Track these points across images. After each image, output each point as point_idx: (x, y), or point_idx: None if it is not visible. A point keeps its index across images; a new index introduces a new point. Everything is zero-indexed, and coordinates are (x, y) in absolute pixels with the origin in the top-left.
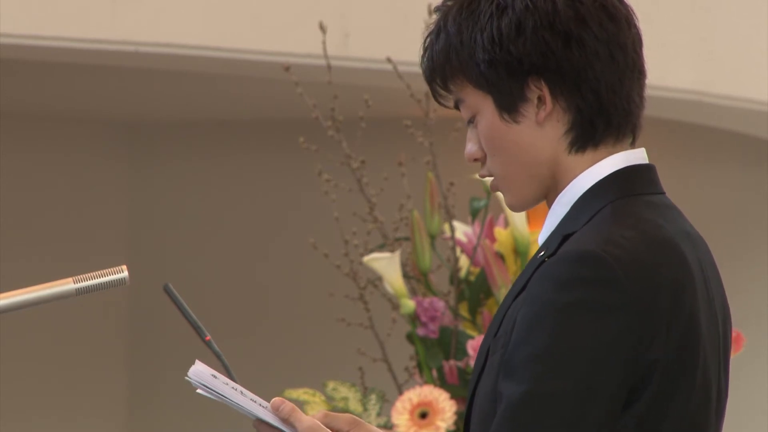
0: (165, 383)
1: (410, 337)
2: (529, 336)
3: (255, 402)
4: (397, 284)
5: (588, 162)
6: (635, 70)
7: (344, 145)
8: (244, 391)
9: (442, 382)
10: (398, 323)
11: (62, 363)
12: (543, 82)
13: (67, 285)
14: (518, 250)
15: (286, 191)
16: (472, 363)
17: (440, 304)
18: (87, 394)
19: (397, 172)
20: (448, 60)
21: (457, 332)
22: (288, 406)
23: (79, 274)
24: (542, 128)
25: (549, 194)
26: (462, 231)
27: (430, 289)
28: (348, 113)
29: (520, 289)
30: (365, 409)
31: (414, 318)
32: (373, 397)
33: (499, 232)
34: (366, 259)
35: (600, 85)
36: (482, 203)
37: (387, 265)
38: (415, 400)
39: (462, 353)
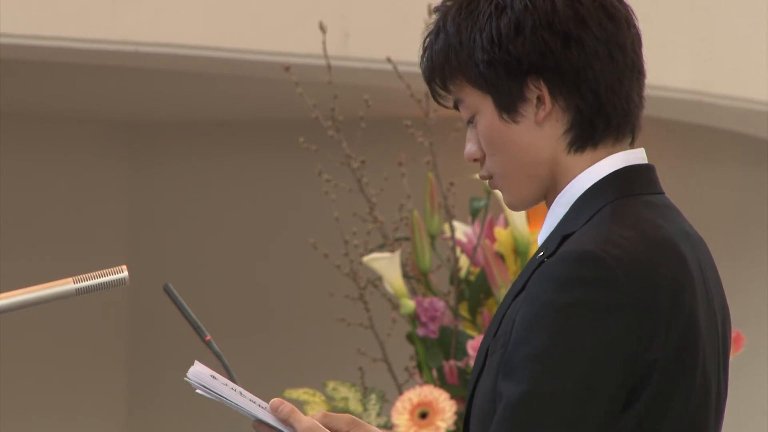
0: (165, 383)
1: (410, 337)
2: (528, 336)
3: (254, 403)
4: (397, 284)
5: (587, 162)
6: (634, 69)
7: (344, 145)
8: (243, 391)
9: (442, 382)
10: (398, 323)
11: (62, 363)
12: (542, 82)
13: (67, 285)
14: (518, 250)
15: (286, 191)
16: (472, 363)
17: (440, 304)
18: (87, 394)
19: (397, 172)
20: (447, 60)
21: (457, 332)
22: (287, 406)
23: (79, 274)
24: (541, 128)
25: (548, 194)
26: (462, 231)
27: (430, 289)
28: (348, 113)
29: (519, 289)
30: (365, 409)
31: (414, 318)
32: (373, 397)
33: (499, 232)
34: (366, 259)
35: (599, 85)
36: (482, 203)
37: (387, 265)
38: (415, 400)
39: (462, 353)
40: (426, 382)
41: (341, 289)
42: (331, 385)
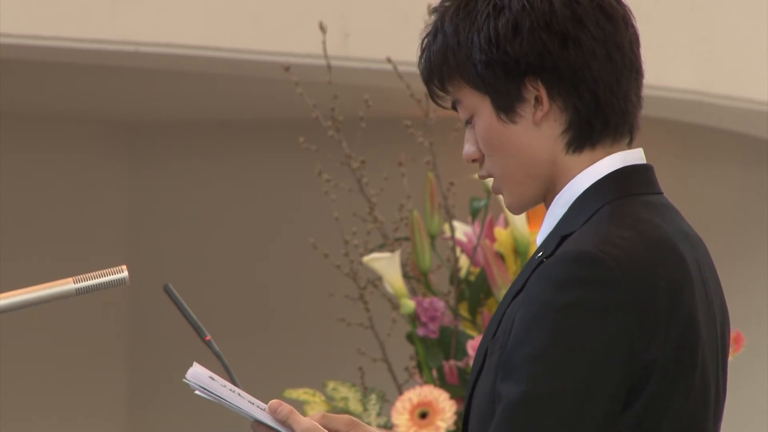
0: (165, 383)
1: (410, 337)
2: (527, 336)
3: (253, 404)
4: (397, 284)
5: (585, 162)
6: (633, 69)
7: (344, 145)
8: (242, 393)
9: (442, 382)
10: (398, 323)
11: (62, 363)
12: (540, 83)
13: (67, 285)
14: (518, 250)
15: (286, 191)
16: (471, 363)
17: (440, 304)
18: (87, 394)
19: (397, 172)
20: (445, 61)
21: (457, 332)
22: (286, 408)
23: (79, 274)
24: (539, 128)
25: (547, 195)
26: (462, 231)
27: (430, 289)
28: (348, 113)
29: (518, 290)
30: (365, 409)
31: (414, 318)
32: (373, 397)
33: (499, 232)
34: (366, 259)
35: (597, 85)
36: (482, 203)
37: (387, 265)
38: (415, 400)
39: (462, 353)
40: (426, 382)
41: (341, 289)
42: (331, 385)
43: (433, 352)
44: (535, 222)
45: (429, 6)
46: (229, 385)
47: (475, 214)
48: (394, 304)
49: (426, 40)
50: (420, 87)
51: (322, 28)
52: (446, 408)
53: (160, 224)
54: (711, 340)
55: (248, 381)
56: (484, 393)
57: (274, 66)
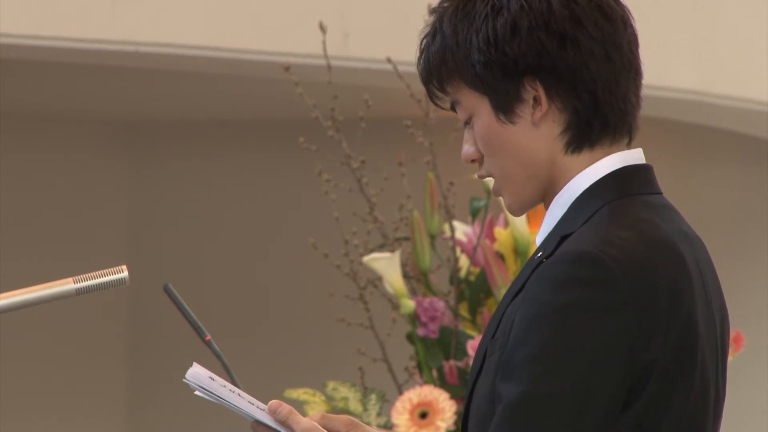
0: (165, 383)
1: (410, 337)
2: (527, 336)
3: (252, 404)
4: (397, 284)
5: (584, 163)
6: (631, 70)
7: (344, 145)
8: (242, 393)
9: (442, 382)
10: (398, 323)
11: (62, 363)
12: (538, 83)
13: (67, 285)
14: (518, 250)
15: (286, 191)
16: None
17: (440, 304)
18: (87, 394)
19: (397, 172)
20: (444, 61)
21: (457, 332)
22: (285, 408)
23: (79, 274)
24: (538, 129)
25: (546, 196)
26: (462, 231)
27: (430, 289)
28: (348, 113)
29: (517, 290)
30: (365, 409)
31: (414, 318)
32: (373, 397)
33: (499, 232)
34: (366, 259)
35: (596, 86)
36: (482, 203)
37: (387, 265)
38: (415, 400)
39: (462, 353)
40: (426, 382)
41: (341, 289)
42: (331, 385)
43: (433, 352)
44: (535, 222)
45: (429, 6)
46: (229, 386)
47: (475, 214)
48: (394, 304)
49: (424, 41)
50: (420, 87)
51: (322, 28)
52: (446, 408)
53: (160, 224)
54: (710, 339)
55: (248, 381)
56: (483, 393)
57: (274, 66)
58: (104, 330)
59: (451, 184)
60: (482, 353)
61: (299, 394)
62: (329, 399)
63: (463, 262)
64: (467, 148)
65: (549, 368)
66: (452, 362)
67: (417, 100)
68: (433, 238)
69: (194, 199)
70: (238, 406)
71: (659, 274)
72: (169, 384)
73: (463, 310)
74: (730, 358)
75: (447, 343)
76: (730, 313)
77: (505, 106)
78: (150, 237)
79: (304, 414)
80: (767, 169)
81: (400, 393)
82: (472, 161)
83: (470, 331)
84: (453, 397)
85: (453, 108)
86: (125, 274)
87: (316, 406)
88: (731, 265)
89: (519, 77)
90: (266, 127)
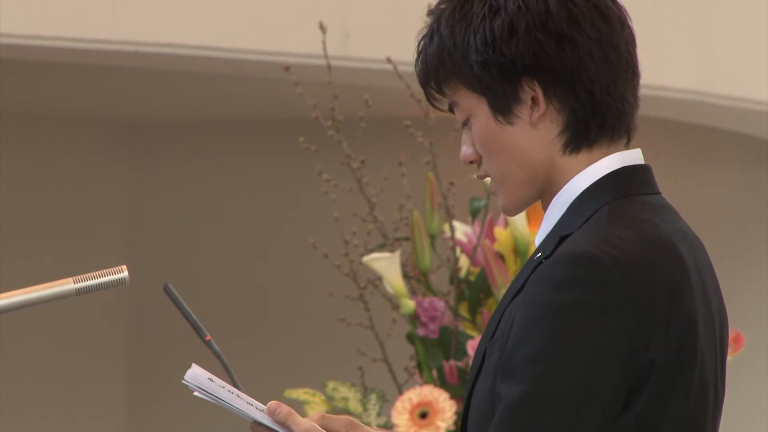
0: (165, 383)
1: (410, 337)
2: (526, 337)
3: (252, 405)
4: (397, 284)
5: (583, 163)
6: (629, 70)
7: (344, 145)
8: (241, 394)
9: (442, 382)
10: (398, 323)
11: (62, 363)
12: (536, 83)
13: (67, 285)
14: (518, 250)
15: (286, 191)
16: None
17: (440, 304)
18: (87, 394)
19: (397, 172)
20: (441, 62)
21: (457, 332)
22: (284, 409)
23: (79, 274)
24: (536, 129)
25: (543, 196)
26: (462, 231)
27: (430, 289)
28: (348, 113)
29: (517, 291)
30: (365, 409)
31: (414, 318)
32: (373, 397)
33: (499, 232)
34: (366, 259)
35: (594, 86)
36: (482, 203)
37: (387, 265)
38: (415, 400)
39: (462, 353)
40: (426, 382)
41: (341, 289)
42: (331, 385)
43: (433, 352)
44: (535, 222)
45: (429, 6)
46: (228, 386)
47: (475, 214)
48: (394, 304)
49: (422, 42)
50: (420, 87)
51: (322, 28)
52: (446, 408)
53: (160, 224)
54: (709, 340)
55: (248, 381)
56: (483, 393)
57: (274, 66)
58: (104, 330)
59: (451, 184)
60: (481, 353)
61: (299, 394)
62: (329, 399)
63: (463, 262)
64: (465, 150)
65: (549, 369)
66: (452, 362)
67: (417, 100)
68: (433, 238)
69: (194, 199)
70: (237, 406)
71: (658, 274)
72: (169, 384)
73: (463, 310)
74: (730, 358)
75: (447, 343)
76: (730, 313)
77: (503, 107)
78: (150, 237)
79: (303, 414)
80: (767, 169)
81: (400, 393)
82: (471, 162)
83: (470, 331)
84: (453, 397)
85: (451, 109)
86: (125, 274)
87: (316, 406)
88: (731, 265)
89: (517, 78)
90: (266, 127)
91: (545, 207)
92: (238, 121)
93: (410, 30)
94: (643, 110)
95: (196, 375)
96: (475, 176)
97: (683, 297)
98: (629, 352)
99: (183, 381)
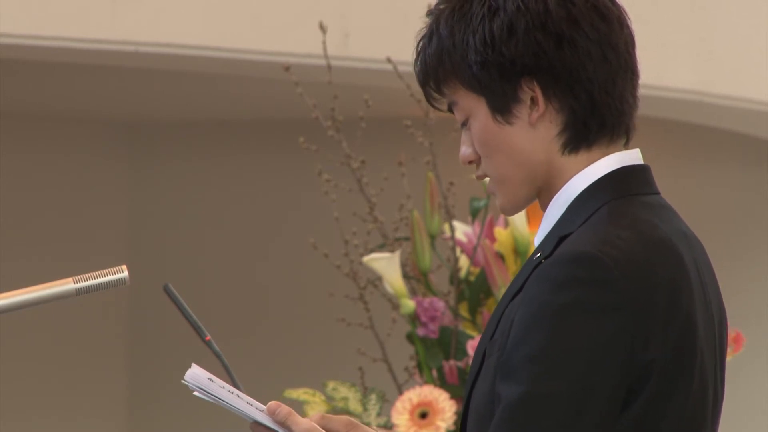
0: (165, 383)
1: (410, 337)
2: (526, 337)
3: (251, 405)
4: (397, 284)
5: (582, 163)
6: (628, 70)
7: (344, 145)
8: (241, 394)
9: (442, 382)
10: (398, 323)
11: (62, 363)
12: (535, 83)
13: (67, 285)
14: (518, 250)
15: (286, 191)
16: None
17: (440, 304)
18: (87, 394)
19: (397, 172)
20: (440, 63)
21: (457, 332)
22: (284, 409)
23: (79, 274)
24: (535, 129)
25: (542, 195)
26: (462, 231)
27: (430, 289)
28: (348, 113)
29: (516, 291)
30: (365, 409)
31: (414, 318)
32: (373, 397)
33: (499, 232)
34: (366, 259)
35: (593, 86)
36: (482, 203)
37: (387, 265)
38: (415, 400)
39: (462, 353)
40: (426, 382)
41: (341, 289)
42: (331, 385)
43: (433, 352)
44: (534, 222)
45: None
46: (228, 387)
47: (475, 214)
48: (394, 304)
49: (421, 42)
50: (420, 87)
51: (322, 28)
52: (446, 408)
53: (160, 224)
54: (709, 340)
55: (248, 381)
56: (482, 394)
57: (274, 66)
58: (104, 330)
59: (451, 184)
60: (481, 354)
61: (299, 394)
62: (329, 399)
63: (463, 262)
64: (464, 150)
65: (548, 369)
66: (452, 362)
67: (417, 100)
68: (433, 238)
69: (194, 199)
70: (236, 406)
71: (658, 274)
72: (169, 384)
73: (463, 310)
74: (729, 358)
75: (447, 343)
76: (730, 313)
77: (502, 107)
78: (150, 237)
79: (303, 414)
80: (767, 169)
81: (400, 393)
82: (470, 162)
83: (470, 331)
84: (453, 397)
85: (450, 109)
86: (125, 274)
87: (316, 406)
88: (731, 265)
89: (516, 78)
90: (266, 127)
91: (544, 207)
92: (238, 121)
93: (410, 30)
94: (643, 110)
95: (196, 375)
96: (474, 176)
97: (682, 297)
98: (629, 352)
99: (183, 381)
